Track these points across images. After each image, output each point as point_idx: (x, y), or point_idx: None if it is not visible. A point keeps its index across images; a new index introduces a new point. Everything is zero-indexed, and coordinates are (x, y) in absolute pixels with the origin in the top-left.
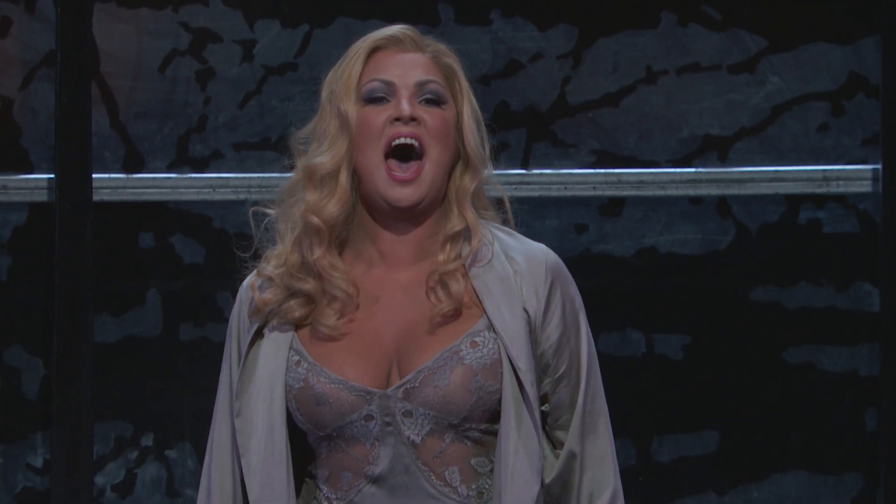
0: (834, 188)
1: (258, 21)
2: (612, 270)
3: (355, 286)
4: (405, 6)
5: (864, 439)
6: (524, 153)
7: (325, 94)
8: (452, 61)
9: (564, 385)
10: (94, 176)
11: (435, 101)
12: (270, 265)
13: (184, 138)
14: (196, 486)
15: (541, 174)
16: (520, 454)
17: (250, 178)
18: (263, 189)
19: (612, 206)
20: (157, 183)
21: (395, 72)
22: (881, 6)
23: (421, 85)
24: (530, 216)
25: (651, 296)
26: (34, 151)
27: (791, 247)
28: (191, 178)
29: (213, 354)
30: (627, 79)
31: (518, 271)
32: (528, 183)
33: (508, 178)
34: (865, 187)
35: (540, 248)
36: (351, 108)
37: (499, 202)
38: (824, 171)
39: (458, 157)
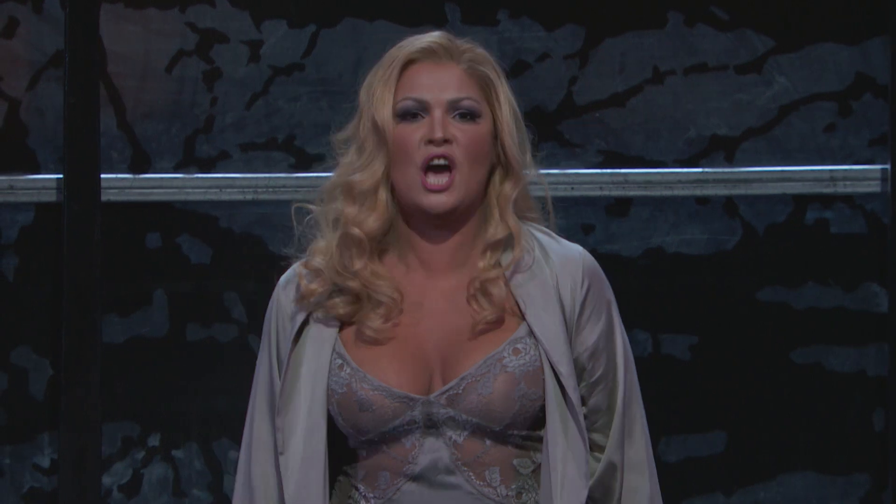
0: (841, 188)
1: (265, 21)
2: (619, 271)
3: (400, 292)
4: (412, 7)
5: (872, 440)
6: (531, 153)
7: (363, 98)
8: (489, 69)
9: (601, 389)
10: (101, 176)
11: (469, 116)
12: (317, 259)
13: (191, 139)
14: (203, 486)
15: (548, 174)
16: (568, 460)
17: (257, 178)
18: (270, 189)
19: (619, 207)
20: (164, 183)
21: (429, 89)
22: (889, 6)
23: (454, 102)
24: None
25: (658, 296)
26: (42, 152)
27: (798, 247)
28: (198, 178)
29: (220, 354)
30: (634, 79)
31: (553, 269)
32: (534, 183)
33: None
34: (873, 187)
35: (577, 249)
36: (387, 124)
37: (540, 200)
38: (831, 171)
39: (498, 164)
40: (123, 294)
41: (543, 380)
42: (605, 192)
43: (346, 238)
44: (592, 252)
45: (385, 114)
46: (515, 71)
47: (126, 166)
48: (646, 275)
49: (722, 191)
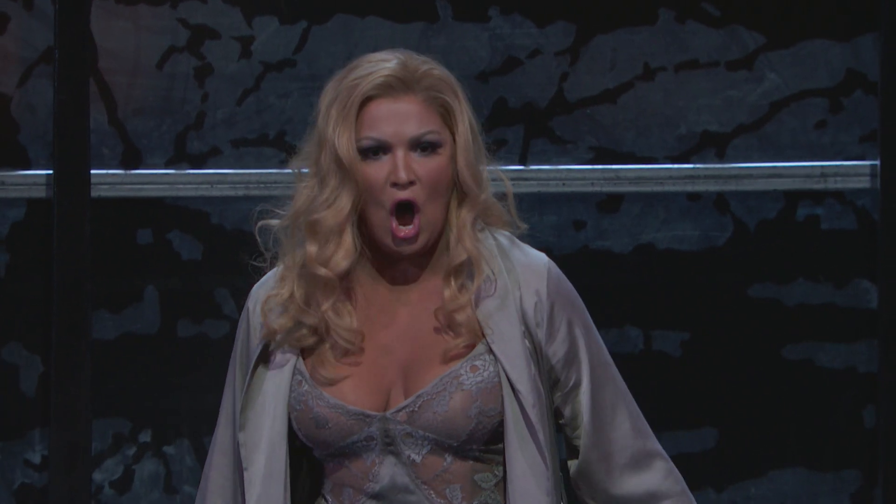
0: (832, 184)
1: (256, 17)
2: (610, 267)
3: (360, 333)
4: (404, 3)
5: (863, 436)
6: (522, 149)
7: (321, 126)
8: (447, 93)
9: (576, 395)
10: (92, 172)
11: (431, 149)
12: (281, 291)
13: (182, 135)
14: (194, 482)
15: (539, 170)
16: (527, 476)
17: (248, 174)
18: (262, 185)
19: (610, 203)
20: (155, 179)
21: (389, 129)
22: (880, 3)
23: (416, 139)
24: (528, 212)
25: (649, 292)
26: (32, 148)
27: (789, 243)
28: (189, 174)
29: (211, 351)
30: (625, 75)
31: (516, 281)
32: (526, 179)
33: (506, 175)
34: (863, 183)
35: (541, 260)
36: (353, 161)
37: (502, 196)
38: (822, 167)
39: (457, 187)
40: (114, 290)
41: (502, 396)
42: (597, 189)
43: (314, 278)
44: (583, 248)
45: (349, 151)
46: (506, 67)
47: (117, 162)
48: (637, 271)
49: (713, 187)
